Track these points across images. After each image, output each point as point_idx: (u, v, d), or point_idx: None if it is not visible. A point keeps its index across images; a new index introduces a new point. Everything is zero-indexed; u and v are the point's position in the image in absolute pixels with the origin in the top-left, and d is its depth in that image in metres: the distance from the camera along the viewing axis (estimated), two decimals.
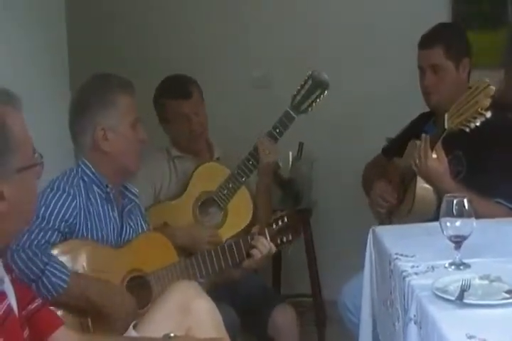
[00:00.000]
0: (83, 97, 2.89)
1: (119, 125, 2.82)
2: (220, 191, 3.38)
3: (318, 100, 3.38)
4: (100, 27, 4.86)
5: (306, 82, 3.38)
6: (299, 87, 3.39)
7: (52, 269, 2.53)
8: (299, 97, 3.38)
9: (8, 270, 2.04)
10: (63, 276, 2.54)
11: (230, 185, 3.37)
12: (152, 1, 4.86)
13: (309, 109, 3.38)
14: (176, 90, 3.52)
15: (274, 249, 3.02)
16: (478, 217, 2.35)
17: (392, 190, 3.35)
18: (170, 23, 4.81)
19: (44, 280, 2.51)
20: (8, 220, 1.89)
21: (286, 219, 3.05)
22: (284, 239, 3.06)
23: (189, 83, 3.55)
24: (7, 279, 1.97)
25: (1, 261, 1.99)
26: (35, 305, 2.11)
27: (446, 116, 2.88)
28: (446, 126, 2.88)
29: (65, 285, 2.53)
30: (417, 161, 2.99)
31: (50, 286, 2.52)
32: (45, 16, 3.63)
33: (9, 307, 1.90)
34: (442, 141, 2.95)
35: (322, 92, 3.37)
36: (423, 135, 3.01)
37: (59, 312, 2.48)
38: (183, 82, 3.55)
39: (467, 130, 2.79)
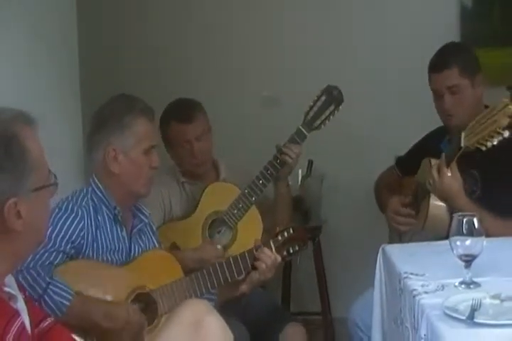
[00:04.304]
0: (103, 114, 2.91)
1: (132, 149, 2.84)
2: (230, 211, 3.37)
3: (331, 117, 3.38)
4: (112, 48, 4.88)
5: (319, 97, 3.38)
6: (311, 103, 3.39)
7: (54, 288, 2.53)
8: (311, 113, 3.38)
9: (21, 288, 2.06)
10: (66, 295, 2.53)
11: (240, 205, 3.36)
12: (161, 19, 4.88)
13: (322, 126, 3.38)
14: (178, 113, 3.52)
15: (279, 259, 3.01)
16: (492, 236, 2.35)
17: (408, 203, 3.34)
18: (179, 43, 4.83)
19: (46, 299, 2.51)
20: (23, 240, 1.92)
21: (291, 230, 3.05)
22: (291, 250, 3.06)
23: (193, 108, 3.53)
24: (20, 297, 1.99)
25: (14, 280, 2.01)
26: (47, 323, 2.12)
27: (462, 134, 2.88)
28: (462, 145, 2.88)
29: (68, 303, 2.52)
30: (431, 179, 2.98)
31: (53, 305, 2.51)
32: (57, 30, 3.64)
33: (22, 325, 1.92)
34: (457, 160, 2.95)
35: (336, 108, 3.37)
36: (442, 154, 3.01)
37: None
38: (188, 107, 3.55)
39: (483, 149, 2.79)
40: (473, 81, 3.22)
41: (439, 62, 3.25)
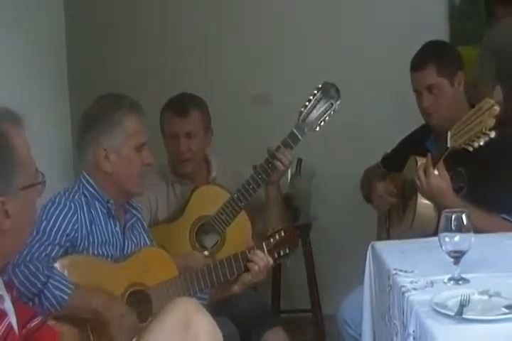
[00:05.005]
0: (91, 114, 2.90)
1: (123, 147, 2.83)
2: (218, 216, 3.29)
3: (327, 118, 3.27)
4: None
5: (314, 96, 3.27)
6: (306, 103, 3.28)
7: (54, 282, 2.53)
8: (306, 115, 3.26)
9: (9, 289, 2.05)
10: (65, 289, 2.54)
11: (229, 210, 3.27)
12: (151, 18, 4.87)
13: (317, 128, 3.27)
14: (175, 105, 3.48)
15: (271, 261, 3.00)
16: (482, 232, 2.34)
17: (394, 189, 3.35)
18: (170, 40, 4.83)
19: (46, 293, 2.51)
20: (10, 237, 1.92)
21: (283, 233, 3.05)
22: (282, 253, 3.05)
23: (193, 104, 3.46)
24: (7, 298, 1.99)
25: (2, 279, 2.00)
26: (34, 323, 2.12)
27: (448, 134, 2.88)
28: (449, 145, 2.88)
29: (67, 298, 2.53)
30: (418, 180, 2.99)
31: (52, 299, 2.52)
32: (44, 32, 3.64)
33: (9, 326, 1.92)
34: (444, 159, 2.95)
35: (332, 108, 3.26)
36: (428, 154, 3.02)
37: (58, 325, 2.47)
38: (186, 101, 3.49)
39: (470, 149, 2.80)
40: (452, 80, 3.22)
41: (418, 62, 3.26)
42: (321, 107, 3.27)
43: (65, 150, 3.58)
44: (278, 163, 3.29)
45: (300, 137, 3.27)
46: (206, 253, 3.23)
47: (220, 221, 3.30)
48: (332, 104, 3.28)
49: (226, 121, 4.56)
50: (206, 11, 4.81)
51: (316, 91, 3.29)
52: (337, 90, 3.29)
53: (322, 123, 3.28)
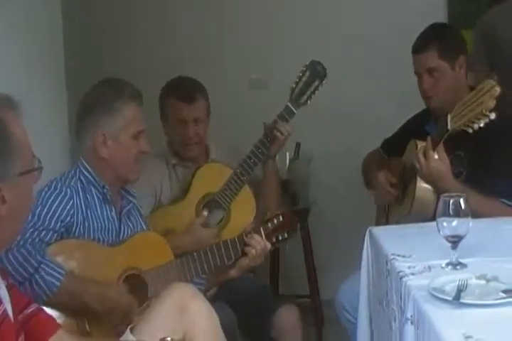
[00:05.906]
0: (91, 99, 2.90)
1: (121, 133, 2.84)
2: (222, 192, 3.33)
3: (316, 92, 3.38)
4: (97, 29, 4.85)
5: (303, 73, 3.38)
6: (297, 79, 3.38)
7: (46, 267, 2.53)
8: (297, 90, 3.37)
9: (4, 276, 2.05)
10: (57, 275, 2.54)
11: (233, 185, 3.33)
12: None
13: (308, 102, 3.38)
14: (180, 92, 3.48)
15: (269, 246, 3.01)
16: (482, 217, 2.33)
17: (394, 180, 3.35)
18: (168, 24, 4.81)
19: (37, 278, 2.51)
20: (6, 224, 1.90)
21: (281, 218, 3.05)
22: (280, 237, 3.06)
23: (197, 90, 3.49)
24: (3, 285, 1.98)
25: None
26: (31, 309, 2.12)
27: (449, 116, 2.87)
28: (449, 127, 2.87)
29: (59, 284, 2.53)
30: (418, 163, 2.98)
31: (43, 284, 2.51)
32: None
33: (4, 313, 1.91)
34: (443, 142, 2.94)
35: (320, 83, 3.38)
36: (428, 137, 3.01)
37: (55, 314, 2.47)
38: (191, 87, 3.50)
39: (470, 131, 2.78)
40: (453, 64, 3.20)
41: (420, 44, 3.25)
42: (310, 83, 3.39)
43: (61, 137, 3.57)
44: (278, 133, 3.37)
45: (295, 111, 3.38)
46: (205, 213, 3.25)
47: (225, 196, 3.35)
48: (320, 80, 3.40)
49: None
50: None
51: (304, 69, 3.40)
52: (323, 68, 3.40)
53: (312, 96, 3.40)
